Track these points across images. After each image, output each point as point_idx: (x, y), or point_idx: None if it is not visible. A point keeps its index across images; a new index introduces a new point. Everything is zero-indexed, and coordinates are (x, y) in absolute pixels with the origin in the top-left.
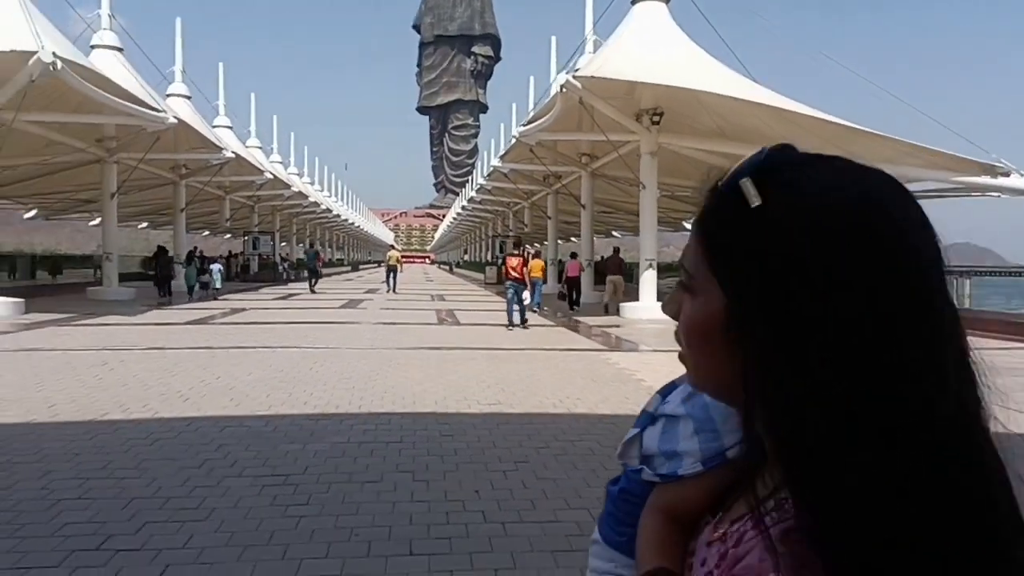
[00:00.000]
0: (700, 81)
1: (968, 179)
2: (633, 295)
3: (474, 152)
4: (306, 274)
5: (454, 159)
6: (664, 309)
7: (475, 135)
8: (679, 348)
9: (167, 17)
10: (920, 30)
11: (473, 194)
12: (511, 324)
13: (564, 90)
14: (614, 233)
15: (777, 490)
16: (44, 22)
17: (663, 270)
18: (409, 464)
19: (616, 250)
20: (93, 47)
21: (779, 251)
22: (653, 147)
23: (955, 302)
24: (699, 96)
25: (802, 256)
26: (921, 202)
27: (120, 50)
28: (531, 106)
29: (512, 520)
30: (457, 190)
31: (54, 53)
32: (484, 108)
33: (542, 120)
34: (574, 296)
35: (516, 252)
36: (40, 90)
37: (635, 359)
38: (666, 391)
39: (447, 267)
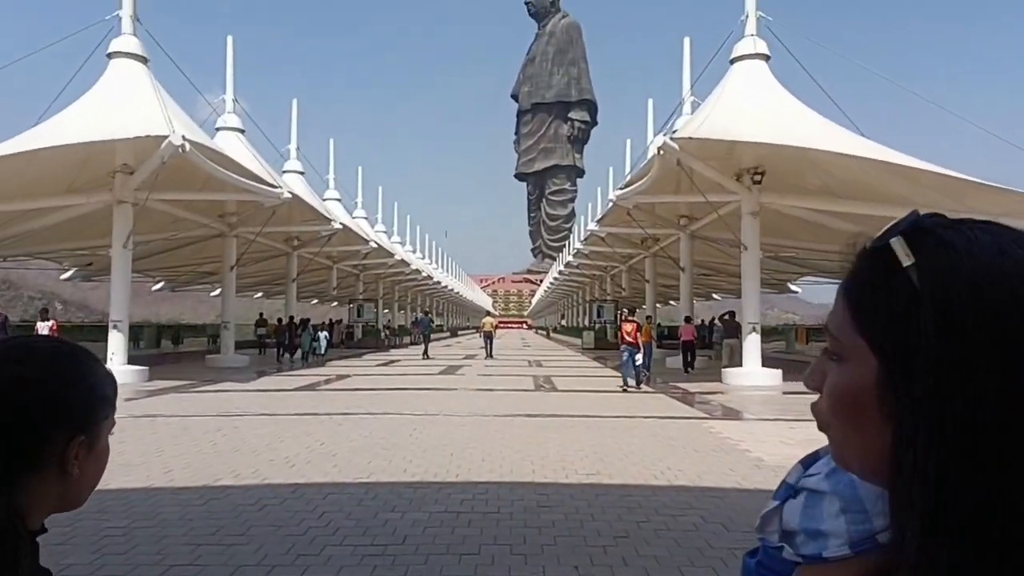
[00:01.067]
0: (803, 137)
1: None
2: (735, 360)
3: (571, 216)
4: (419, 339)
5: (551, 224)
6: (806, 381)
7: (572, 199)
8: (818, 421)
9: (285, 98)
10: None
11: (570, 258)
12: (626, 387)
13: (661, 152)
14: (714, 296)
15: None
16: (175, 107)
17: (767, 334)
18: (506, 536)
19: (732, 314)
20: (218, 129)
21: (935, 312)
22: (755, 207)
23: None
24: (803, 153)
25: (963, 318)
26: None
27: (242, 131)
28: (628, 169)
29: None
30: (554, 255)
31: (183, 136)
32: (581, 172)
33: (639, 183)
34: (689, 359)
35: (631, 319)
36: (170, 170)
37: (739, 428)
38: (808, 461)
39: (544, 332)
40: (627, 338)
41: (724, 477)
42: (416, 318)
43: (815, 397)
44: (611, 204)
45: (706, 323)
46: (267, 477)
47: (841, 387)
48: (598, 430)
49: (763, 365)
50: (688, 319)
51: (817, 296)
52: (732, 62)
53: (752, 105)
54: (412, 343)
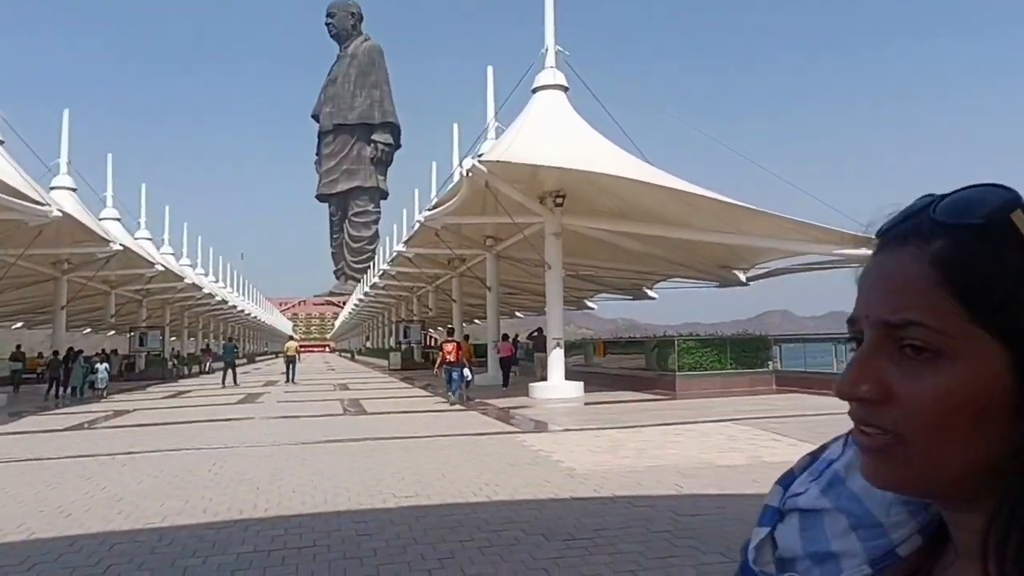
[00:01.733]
0: (599, 164)
1: (847, 251)
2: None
3: (375, 238)
4: (208, 367)
5: (354, 245)
6: (856, 392)
7: (376, 221)
8: (873, 439)
9: (55, 108)
10: (810, 117)
11: (376, 280)
12: (452, 402)
13: (470, 174)
14: (517, 314)
15: None
16: None
17: (567, 348)
18: (325, 571)
19: (540, 330)
20: None
21: None
22: (557, 228)
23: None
24: (598, 179)
25: None
26: (806, 274)
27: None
28: (433, 192)
29: None
30: (358, 276)
31: None
32: (384, 194)
33: (447, 204)
34: (509, 375)
35: (451, 339)
36: None
37: (549, 439)
38: (786, 481)
39: (348, 355)
40: (448, 358)
41: (540, 489)
42: (223, 346)
43: (633, 406)
44: (418, 225)
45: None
46: (36, 531)
47: (957, 387)
48: (413, 451)
49: (566, 378)
50: (506, 336)
51: (608, 312)
52: (534, 91)
53: (553, 132)
54: (202, 372)
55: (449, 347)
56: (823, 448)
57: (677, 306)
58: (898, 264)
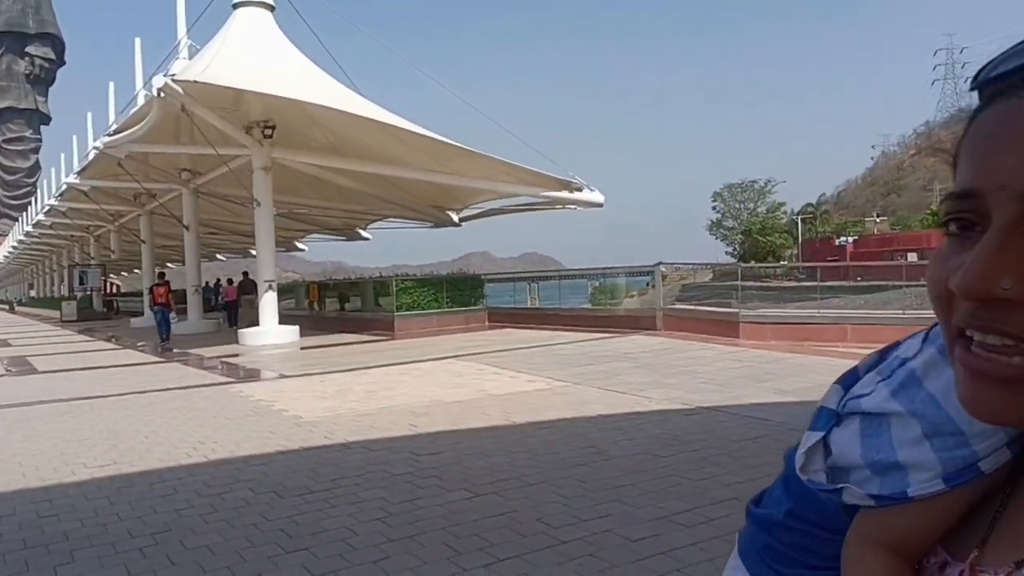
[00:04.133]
0: (311, 93)
1: (552, 194)
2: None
3: (35, 169)
4: None
5: (9, 178)
6: (994, 279)
7: (36, 150)
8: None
9: None
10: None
11: (41, 217)
12: (163, 340)
13: (162, 95)
14: (219, 256)
15: None
16: None
17: (280, 292)
18: None
19: (246, 273)
20: None
21: None
22: (266, 162)
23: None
24: (309, 109)
25: None
26: (514, 215)
27: None
28: (112, 117)
29: None
30: (15, 214)
31: None
32: (46, 119)
33: (132, 130)
34: (234, 319)
35: (162, 282)
36: None
37: (268, 388)
38: (848, 381)
39: (7, 306)
40: (159, 300)
41: (265, 442)
42: None
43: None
44: (96, 153)
45: (211, 285)
46: None
47: None
48: (106, 412)
49: (281, 323)
50: (231, 280)
51: (316, 254)
52: (235, 7)
53: (260, 55)
54: None
55: (161, 290)
56: (894, 345)
57: (386, 248)
58: None
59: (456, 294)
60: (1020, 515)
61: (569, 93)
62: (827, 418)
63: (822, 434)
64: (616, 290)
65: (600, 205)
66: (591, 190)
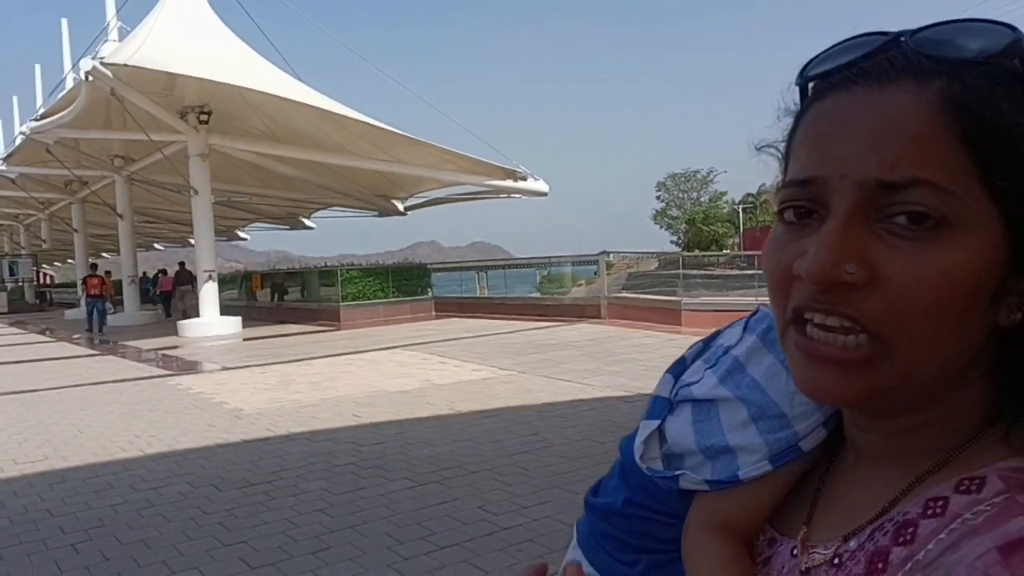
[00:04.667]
0: (247, 79)
1: (496, 183)
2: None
3: None
4: None
5: None
6: (838, 264)
7: None
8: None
9: None
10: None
11: None
12: (96, 332)
13: (91, 79)
14: (157, 246)
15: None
16: None
17: (221, 282)
18: None
19: (183, 264)
20: None
21: None
22: (203, 148)
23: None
24: (247, 95)
25: None
26: (463, 204)
27: None
28: (39, 101)
29: None
30: None
31: None
32: None
33: (60, 115)
34: (169, 310)
35: (96, 274)
36: None
37: (209, 380)
38: (677, 369)
39: None
40: (92, 291)
41: (204, 435)
42: None
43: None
44: (22, 138)
45: (148, 275)
46: None
47: (962, 265)
48: (37, 407)
49: (222, 314)
50: (165, 271)
51: (260, 244)
52: None
53: (193, 38)
54: None
55: (95, 281)
56: (716, 334)
57: (332, 238)
58: (890, 107)
59: (402, 284)
60: (838, 490)
61: (513, 80)
62: (661, 407)
63: (658, 422)
64: (563, 279)
65: (544, 194)
66: (535, 179)
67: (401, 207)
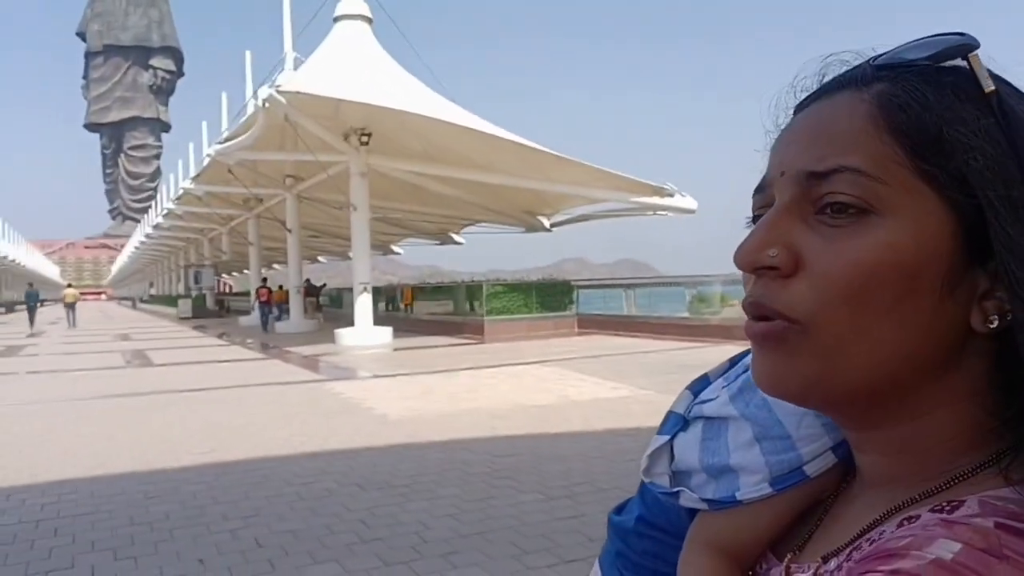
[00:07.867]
0: (405, 102)
1: (643, 199)
2: (347, 320)
3: (156, 175)
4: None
5: (133, 183)
6: (761, 249)
7: (157, 156)
8: (767, 331)
9: None
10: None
11: (160, 220)
12: (264, 331)
13: (267, 106)
14: (320, 258)
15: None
16: None
17: (375, 293)
18: (108, 540)
19: (308, 280)
20: None
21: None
22: (363, 168)
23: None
24: (405, 117)
25: None
26: (599, 222)
27: None
28: (224, 125)
29: None
30: (138, 217)
31: None
32: (167, 127)
33: (241, 138)
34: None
35: (265, 286)
36: None
37: (359, 387)
38: (697, 387)
39: (129, 303)
40: (262, 299)
41: (352, 438)
42: (25, 291)
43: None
44: (209, 160)
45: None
46: None
47: (884, 247)
48: (209, 404)
49: (376, 324)
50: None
51: (413, 258)
52: (336, 20)
53: (358, 65)
54: None
55: (263, 291)
56: (745, 352)
57: (481, 254)
58: (828, 111)
59: (546, 299)
60: (836, 517)
61: (684, 97)
62: (674, 422)
63: (668, 438)
64: (712, 299)
65: (692, 211)
66: (683, 195)
67: (547, 223)
